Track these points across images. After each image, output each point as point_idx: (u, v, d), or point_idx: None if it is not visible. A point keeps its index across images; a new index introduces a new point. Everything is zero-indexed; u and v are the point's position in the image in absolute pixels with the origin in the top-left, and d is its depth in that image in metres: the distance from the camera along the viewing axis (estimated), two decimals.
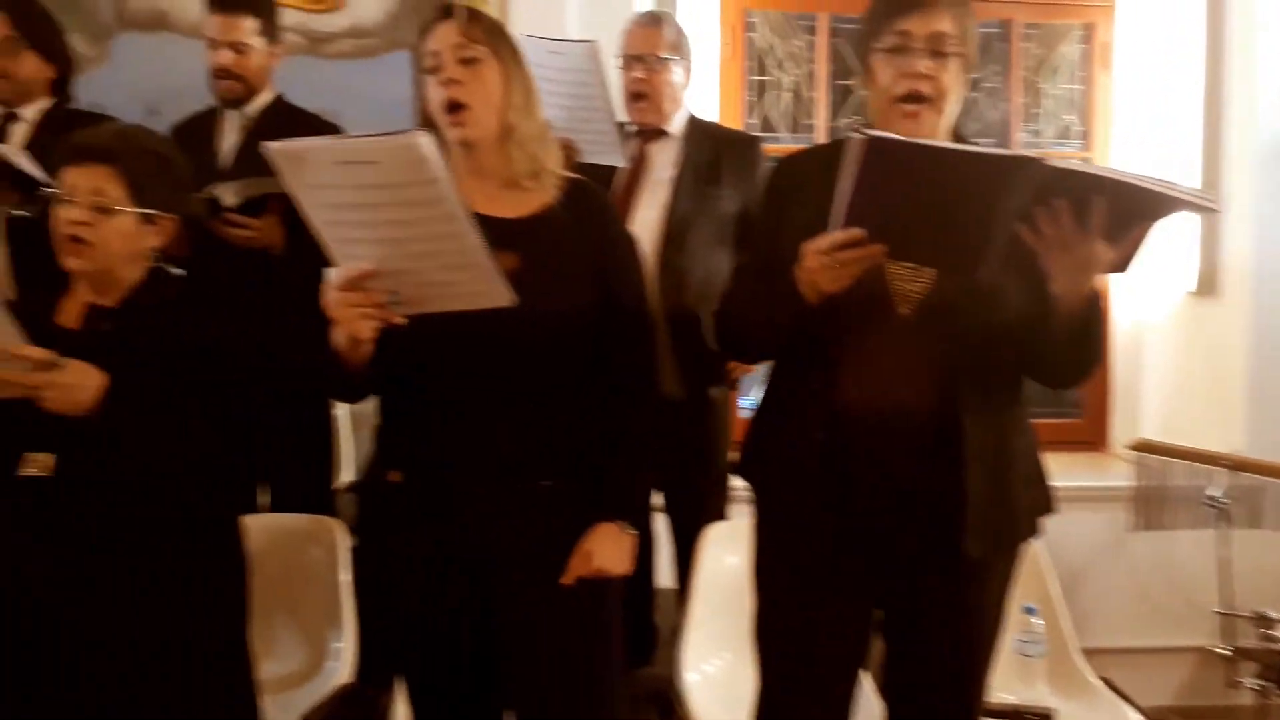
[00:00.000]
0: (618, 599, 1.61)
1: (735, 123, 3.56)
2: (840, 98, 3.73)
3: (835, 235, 1.35)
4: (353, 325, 1.39)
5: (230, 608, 1.70)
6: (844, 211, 1.32)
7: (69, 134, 2.38)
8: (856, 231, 1.33)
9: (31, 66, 2.44)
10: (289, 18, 3.28)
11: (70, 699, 1.53)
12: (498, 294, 1.39)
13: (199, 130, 2.59)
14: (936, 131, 1.53)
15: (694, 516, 2.48)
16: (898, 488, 1.51)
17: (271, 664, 2.08)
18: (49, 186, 2.16)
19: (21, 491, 1.52)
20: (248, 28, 2.53)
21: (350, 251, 1.37)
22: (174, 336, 1.63)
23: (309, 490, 2.62)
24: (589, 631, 1.58)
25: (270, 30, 2.60)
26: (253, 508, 2.36)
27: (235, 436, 1.66)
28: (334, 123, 2.74)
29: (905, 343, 1.49)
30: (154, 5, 3.27)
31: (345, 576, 2.29)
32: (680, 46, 2.61)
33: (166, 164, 1.69)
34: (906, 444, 1.50)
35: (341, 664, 2.20)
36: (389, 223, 1.34)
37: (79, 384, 1.49)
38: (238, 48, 2.53)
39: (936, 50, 1.48)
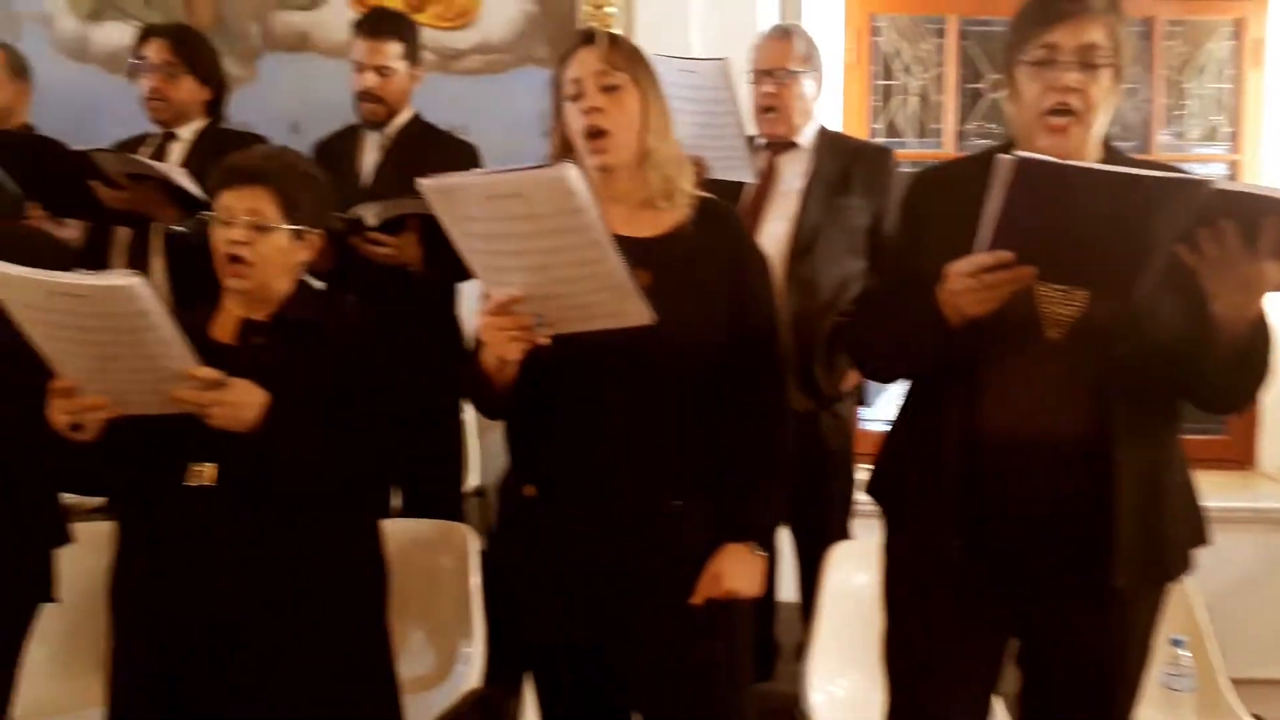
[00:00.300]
0: (747, 618, 1.61)
1: (860, 128, 3.51)
2: (969, 102, 3.64)
3: (982, 257, 1.31)
4: (502, 348, 1.44)
5: (375, 608, 1.77)
6: (991, 233, 1.29)
7: (223, 157, 2.56)
8: (1005, 254, 1.30)
9: (189, 90, 2.59)
10: (421, 36, 3.41)
11: (228, 696, 1.61)
12: (638, 313, 1.43)
13: (341, 149, 2.70)
14: (1085, 145, 1.48)
15: (818, 531, 2.45)
16: (1040, 514, 1.46)
17: (402, 667, 2.14)
18: (206, 204, 2.31)
19: (186, 500, 1.60)
20: (392, 51, 2.62)
21: (499, 278, 1.42)
22: (322, 349, 1.70)
23: (439, 494, 2.69)
24: (718, 648, 1.59)
25: (412, 53, 2.69)
26: (387, 512, 2.44)
27: (380, 444, 1.72)
28: (467, 140, 2.81)
29: (1053, 367, 1.44)
30: (297, 27, 3.42)
31: (475, 581, 2.35)
32: (811, 59, 2.59)
33: (314, 181, 1.76)
34: (1051, 470, 1.45)
35: (470, 669, 2.25)
36: (535, 250, 1.38)
37: (245, 402, 1.55)
38: (382, 71, 2.62)
39: (1086, 62, 1.43)
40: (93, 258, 2.50)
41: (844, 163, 2.55)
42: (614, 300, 1.41)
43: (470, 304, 2.76)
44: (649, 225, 1.60)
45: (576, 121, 1.57)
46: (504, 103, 3.37)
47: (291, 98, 3.38)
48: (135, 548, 1.66)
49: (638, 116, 1.57)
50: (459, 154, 2.73)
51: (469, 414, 2.96)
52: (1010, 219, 1.26)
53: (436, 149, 2.70)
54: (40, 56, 3.31)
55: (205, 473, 1.59)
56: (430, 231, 2.45)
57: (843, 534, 2.55)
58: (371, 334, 1.77)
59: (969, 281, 1.33)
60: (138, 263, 2.50)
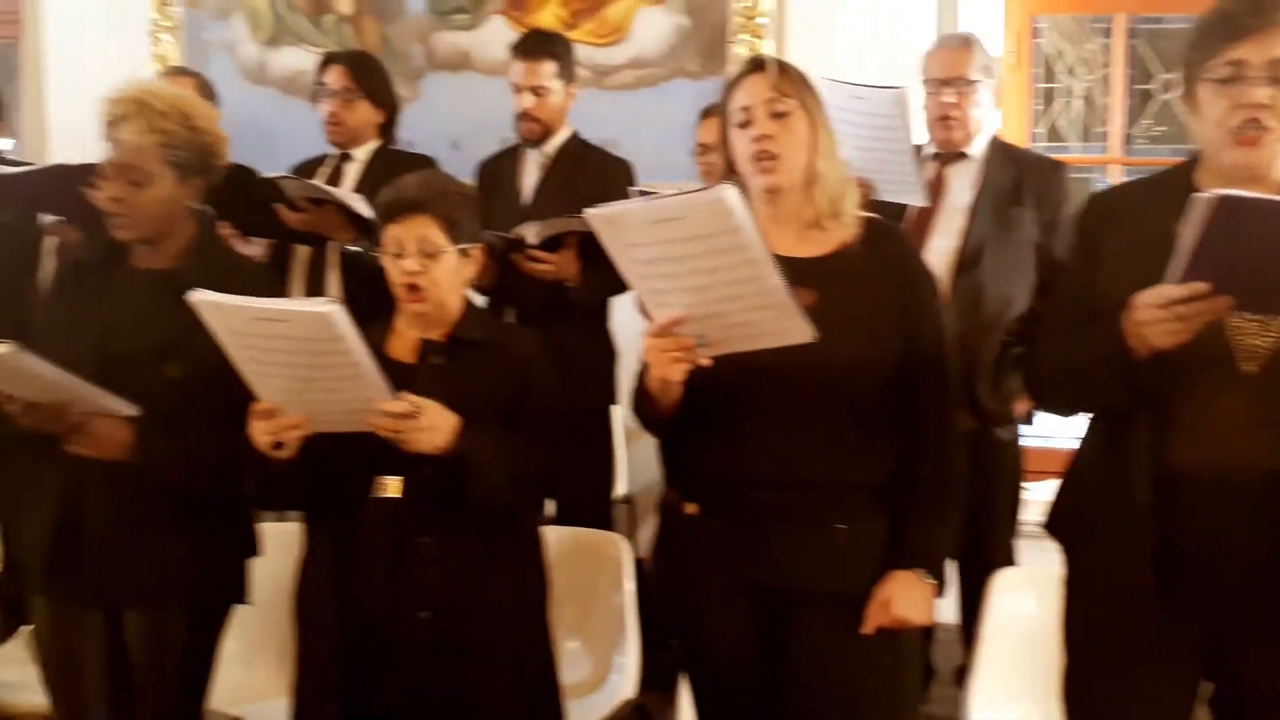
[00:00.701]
0: (914, 646, 1.60)
1: (1021, 133, 3.40)
2: (1138, 103, 3.48)
3: (1175, 289, 1.26)
4: (665, 369, 1.47)
5: (541, 615, 1.83)
6: (1185, 265, 1.24)
7: (393, 177, 2.68)
8: (1201, 286, 1.24)
9: (364, 113, 2.72)
10: (576, 52, 3.48)
11: (404, 698, 1.69)
12: (799, 331, 1.43)
13: (503, 168, 2.79)
14: (1276, 159, 1.40)
15: (981, 553, 2.39)
16: (1236, 552, 1.39)
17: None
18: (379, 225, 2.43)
19: (372, 511, 1.68)
20: (547, 71, 2.69)
21: (662, 300, 1.45)
22: (495, 368, 1.76)
23: (589, 502, 2.75)
24: (884, 674, 1.58)
25: (567, 72, 2.75)
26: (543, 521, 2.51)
27: (548, 457, 1.78)
28: (621, 157, 2.86)
29: (1248, 399, 1.37)
30: (458, 47, 3.55)
31: (629, 590, 2.38)
32: (989, 68, 2.53)
33: (468, 200, 1.83)
34: (1247, 507, 1.38)
35: (625, 678, 2.29)
36: (696, 271, 1.41)
37: (438, 427, 1.61)
38: (538, 91, 2.69)
39: (1276, 77, 1.36)
40: (275, 273, 2.66)
41: (1015, 174, 2.48)
42: (775, 319, 1.43)
43: (621, 316, 2.83)
44: (815, 245, 1.61)
45: (745, 148, 1.60)
46: (655, 116, 3.41)
47: (452, 116, 3.51)
48: (322, 555, 1.76)
49: (806, 140, 1.59)
50: (615, 171, 2.79)
51: (617, 422, 3.01)
52: (1206, 252, 1.21)
53: (593, 167, 2.77)
54: (225, 81, 3.54)
55: (391, 485, 1.67)
56: (587, 248, 2.53)
57: (1008, 558, 2.48)
58: (539, 352, 1.83)
59: (1159, 313, 1.28)
60: (315, 278, 2.65)
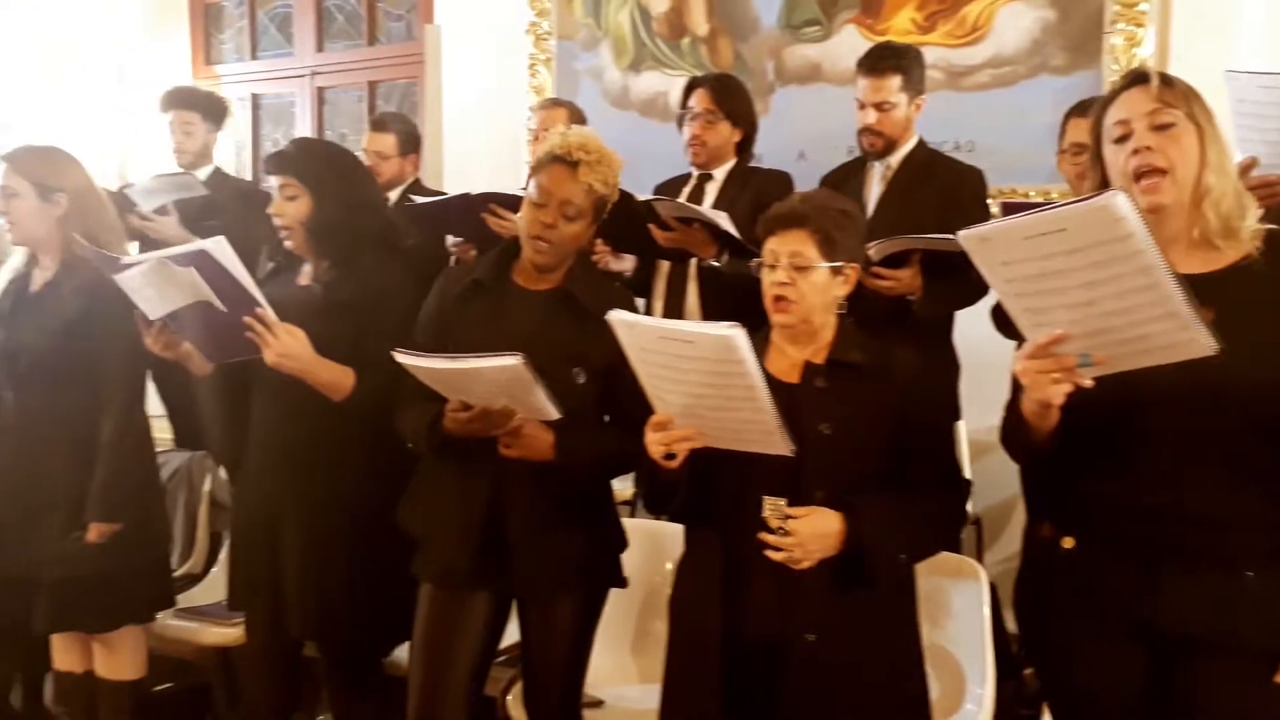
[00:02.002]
0: None
1: None
2: None
3: None
4: (1043, 391, 1.40)
5: (914, 634, 1.82)
6: None
7: (749, 193, 2.78)
8: None
9: (724, 134, 2.82)
10: (928, 56, 3.37)
11: (777, 707, 1.72)
12: (1199, 344, 1.31)
13: (847, 181, 2.78)
14: None
15: None
16: None
17: None
18: (742, 243, 2.52)
19: (756, 531, 1.69)
20: (892, 86, 2.65)
21: (1040, 319, 1.38)
22: (877, 392, 1.75)
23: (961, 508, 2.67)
24: None
25: (914, 85, 2.69)
26: None
27: (940, 505, 1.79)
28: (972, 165, 2.77)
29: None
30: (809, 59, 3.59)
31: (985, 617, 2.30)
32: None
33: (850, 219, 1.83)
34: None
35: (982, 709, 2.21)
36: (1081, 285, 1.32)
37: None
38: (882, 106, 2.66)
39: None
40: (640, 285, 2.84)
41: None
42: (1171, 331, 1.31)
43: (964, 329, 2.73)
44: (1207, 261, 1.48)
45: (1123, 163, 1.49)
46: (1014, 116, 3.25)
47: (800, 128, 3.56)
48: (707, 563, 1.79)
49: (1195, 153, 1.46)
50: (964, 179, 2.70)
51: (962, 438, 2.90)
52: None
53: (941, 176, 2.70)
54: (591, 107, 3.82)
55: (778, 506, 1.70)
56: (930, 262, 2.47)
57: None
58: (922, 376, 1.81)
59: None
60: (676, 291, 2.79)
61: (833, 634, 1.69)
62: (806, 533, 1.65)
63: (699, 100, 2.81)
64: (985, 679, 2.24)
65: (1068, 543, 1.56)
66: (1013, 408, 1.53)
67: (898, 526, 1.69)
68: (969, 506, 3.04)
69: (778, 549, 1.65)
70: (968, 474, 3.06)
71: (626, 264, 2.81)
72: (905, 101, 2.68)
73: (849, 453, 1.72)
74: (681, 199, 2.86)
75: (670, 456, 1.66)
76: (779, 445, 1.63)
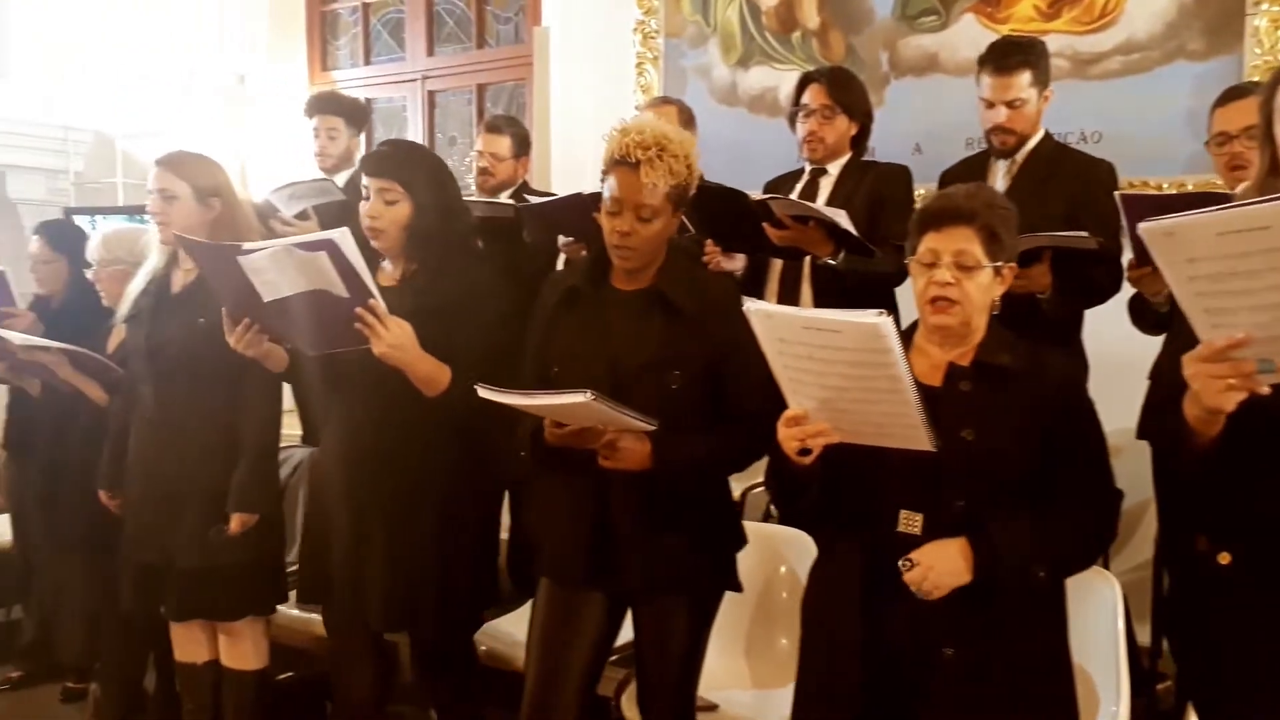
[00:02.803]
0: None
1: None
2: None
3: None
4: (1215, 398, 1.30)
5: (1061, 643, 1.74)
6: None
7: (861, 187, 2.71)
8: None
9: (841, 128, 2.75)
10: (1052, 44, 3.24)
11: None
12: None
13: (970, 176, 2.66)
14: None
15: None
16: None
17: None
18: (860, 241, 2.45)
19: (894, 543, 1.65)
20: (1022, 83, 2.54)
21: (1219, 320, 1.28)
22: (1026, 397, 1.66)
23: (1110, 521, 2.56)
24: None
25: (1042, 78, 2.58)
26: None
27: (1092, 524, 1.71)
28: (1102, 157, 2.64)
29: None
30: (926, 49, 3.49)
31: (1120, 634, 2.19)
32: None
33: (1011, 216, 1.72)
34: None
35: None
36: (1270, 287, 1.22)
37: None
38: (1013, 104, 2.55)
39: None
40: (753, 284, 2.80)
41: None
42: None
43: (1093, 328, 2.61)
44: None
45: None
46: (1146, 104, 3.10)
47: (915, 120, 3.47)
48: (845, 571, 1.74)
49: None
50: (1093, 173, 2.58)
51: None
52: None
53: (1068, 170, 2.58)
54: (699, 104, 3.79)
55: (916, 522, 1.64)
56: (1059, 260, 2.36)
57: None
58: (1077, 384, 1.74)
59: None
60: (789, 289, 2.74)
61: (972, 647, 1.62)
62: (933, 557, 1.59)
63: (814, 95, 2.75)
64: (1120, 695, 2.12)
65: (1224, 558, 1.46)
66: (1169, 409, 1.43)
67: (1035, 547, 1.60)
68: None
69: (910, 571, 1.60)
70: None
71: (737, 263, 2.77)
72: (1035, 96, 2.57)
73: (991, 460, 1.63)
74: (794, 196, 2.81)
75: (804, 452, 1.60)
76: (922, 441, 1.55)
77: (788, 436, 1.60)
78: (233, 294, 2.07)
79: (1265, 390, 1.28)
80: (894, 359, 1.48)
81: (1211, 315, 1.28)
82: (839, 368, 1.53)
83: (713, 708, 2.33)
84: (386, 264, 2.21)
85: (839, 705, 1.68)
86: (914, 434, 1.55)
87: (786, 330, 1.55)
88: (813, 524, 1.83)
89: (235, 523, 2.38)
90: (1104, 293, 2.55)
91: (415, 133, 4.99)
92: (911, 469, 1.59)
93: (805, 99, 2.77)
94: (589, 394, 1.68)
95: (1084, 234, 2.31)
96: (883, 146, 3.46)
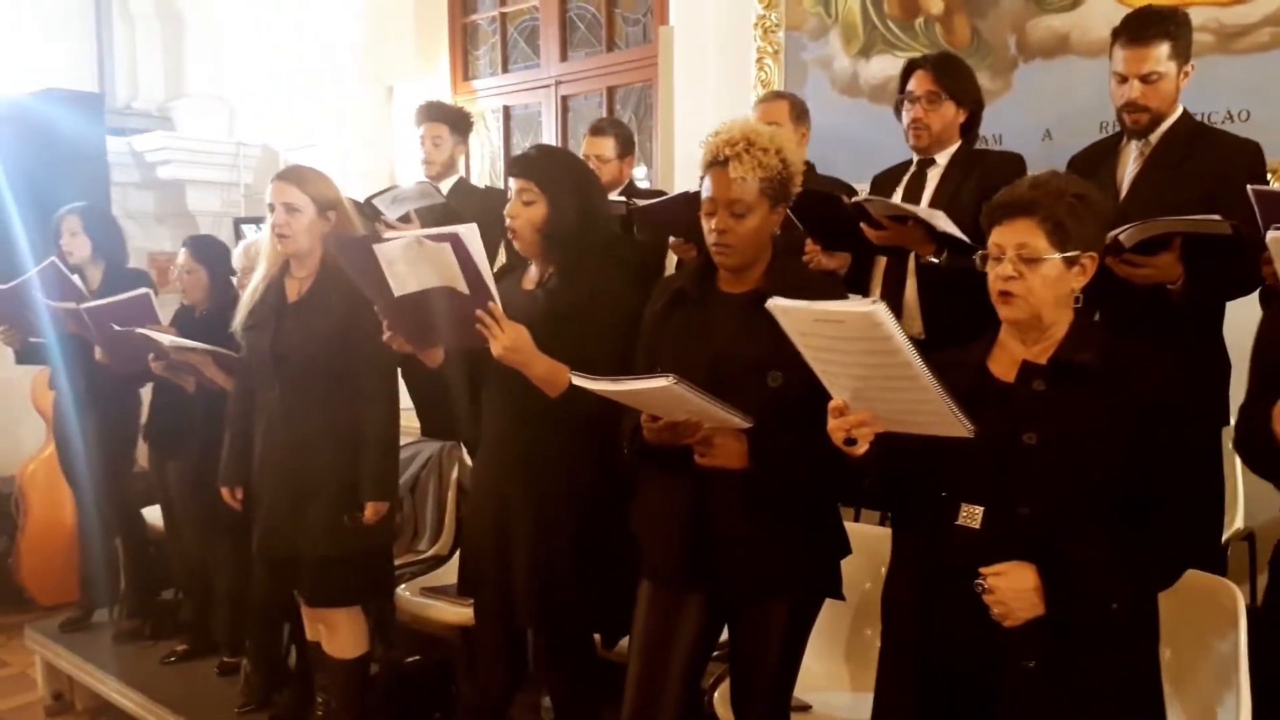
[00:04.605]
0: None
1: None
2: None
3: None
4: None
5: (1152, 655, 1.67)
6: None
7: (974, 176, 2.61)
8: None
9: (948, 115, 2.66)
10: (1195, 16, 3.01)
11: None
12: None
13: (1100, 161, 2.52)
14: None
15: None
16: None
17: None
18: (961, 239, 2.36)
19: (957, 535, 1.62)
20: (1160, 55, 2.36)
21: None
22: (1107, 398, 1.59)
23: (1197, 540, 2.39)
24: None
25: (1183, 51, 2.39)
26: None
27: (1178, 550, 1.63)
28: (1246, 137, 2.43)
29: None
30: (1056, 30, 3.32)
31: (1242, 646, 2.04)
32: None
33: (1085, 204, 1.65)
34: None
35: None
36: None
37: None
38: (1148, 78, 2.37)
39: None
40: (857, 282, 2.75)
41: None
42: None
43: (1237, 320, 2.40)
44: None
45: None
46: None
47: (1046, 105, 3.31)
48: (907, 566, 1.75)
49: None
50: (1235, 154, 2.38)
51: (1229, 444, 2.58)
52: None
53: (1207, 151, 2.38)
54: (820, 96, 3.75)
55: (976, 515, 1.61)
56: (1191, 248, 2.19)
57: None
58: (1167, 386, 1.62)
59: None
60: (894, 286, 2.67)
61: (1053, 661, 1.56)
62: (1005, 589, 1.54)
63: (919, 82, 2.67)
64: (1240, 710, 1.99)
65: None
66: (1259, 412, 1.33)
67: (1111, 581, 1.54)
68: (1239, 522, 2.75)
69: (989, 588, 1.56)
70: (1239, 484, 2.75)
71: (838, 262, 2.72)
72: (1174, 71, 2.38)
73: (1062, 466, 1.57)
74: (901, 187, 2.75)
75: (851, 443, 1.59)
76: (958, 428, 1.53)
77: (834, 428, 1.60)
78: (374, 288, 2.13)
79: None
80: (897, 345, 1.46)
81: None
82: (856, 357, 1.53)
83: (805, 708, 2.32)
84: (531, 268, 2.29)
85: (899, 710, 1.65)
86: (945, 421, 1.53)
87: (803, 324, 1.56)
88: (881, 508, 1.79)
89: (370, 511, 2.53)
90: (1244, 285, 2.34)
91: (549, 137, 5.13)
92: (976, 463, 1.56)
93: (910, 85, 2.69)
94: (671, 378, 1.70)
95: (1216, 217, 2.13)
96: (1011, 134, 3.33)
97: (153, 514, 3.85)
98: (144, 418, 3.68)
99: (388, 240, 2.04)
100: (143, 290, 3.14)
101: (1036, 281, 1.60)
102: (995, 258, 1.63)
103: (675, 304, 2.02)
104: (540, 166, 2.19)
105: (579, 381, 1.85)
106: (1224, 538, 2.64)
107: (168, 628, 3.74)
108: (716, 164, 1.90)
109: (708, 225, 1.93)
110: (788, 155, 1.91)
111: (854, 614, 2.52)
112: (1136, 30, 2.39)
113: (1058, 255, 1.59)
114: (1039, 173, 1.70)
